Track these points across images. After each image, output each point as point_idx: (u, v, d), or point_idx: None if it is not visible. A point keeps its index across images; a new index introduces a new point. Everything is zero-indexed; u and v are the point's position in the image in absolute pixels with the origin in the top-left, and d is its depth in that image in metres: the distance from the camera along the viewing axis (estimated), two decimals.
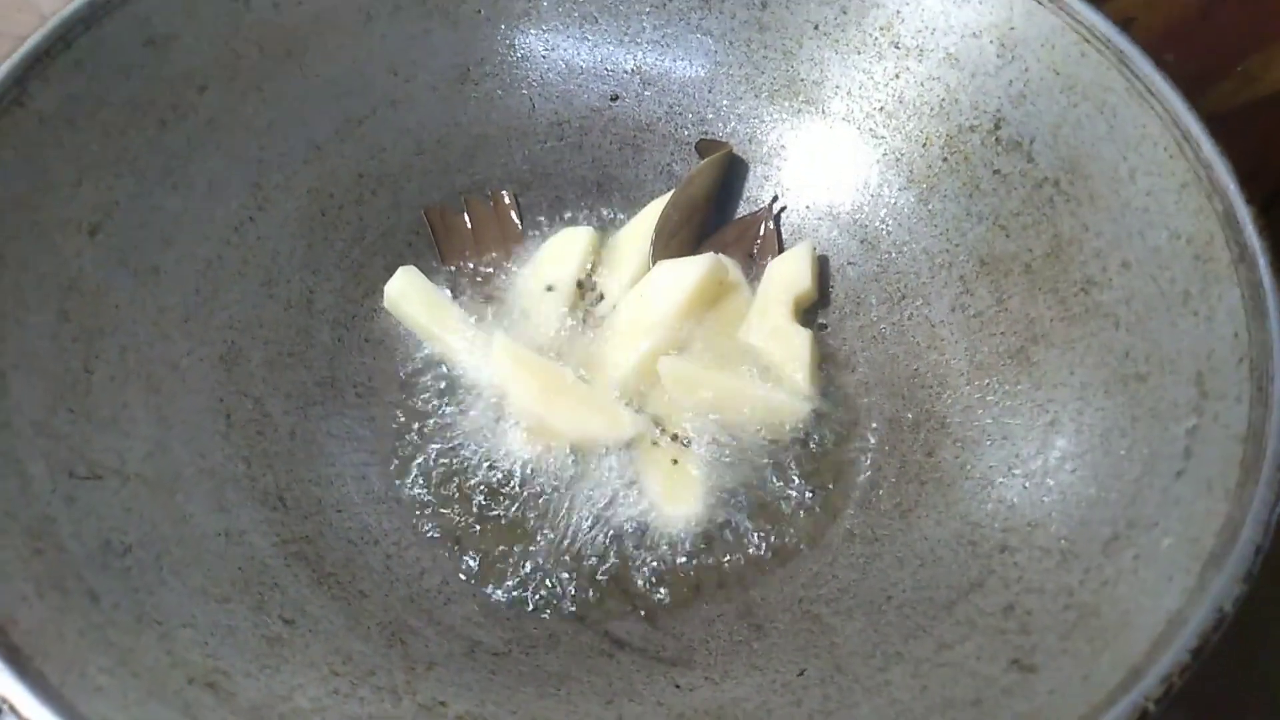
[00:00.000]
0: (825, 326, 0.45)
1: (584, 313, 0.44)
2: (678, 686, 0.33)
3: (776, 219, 0.47)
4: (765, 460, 0.40)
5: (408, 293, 0.42)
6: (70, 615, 0.27)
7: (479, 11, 0.47)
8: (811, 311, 0.45)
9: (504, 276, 0.45)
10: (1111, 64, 0.38)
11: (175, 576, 0.31)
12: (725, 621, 0.36)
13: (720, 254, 0.44)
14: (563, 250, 0.45)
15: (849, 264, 0.45)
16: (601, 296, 0.44)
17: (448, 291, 0.44)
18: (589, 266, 0.45)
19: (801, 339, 0.43)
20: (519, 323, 0.44)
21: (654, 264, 0.44)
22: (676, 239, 0.45)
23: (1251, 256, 0.32)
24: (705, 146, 0.48)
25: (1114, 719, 0.24)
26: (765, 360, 0.43)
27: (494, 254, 0.46)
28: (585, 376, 0.42)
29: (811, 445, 0.41)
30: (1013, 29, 0.41)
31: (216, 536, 0.34)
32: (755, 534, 0.39)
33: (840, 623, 0.34)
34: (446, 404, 0.41)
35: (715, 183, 0.47)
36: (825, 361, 0.43)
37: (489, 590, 0.37)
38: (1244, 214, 0.33)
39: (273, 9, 0.42)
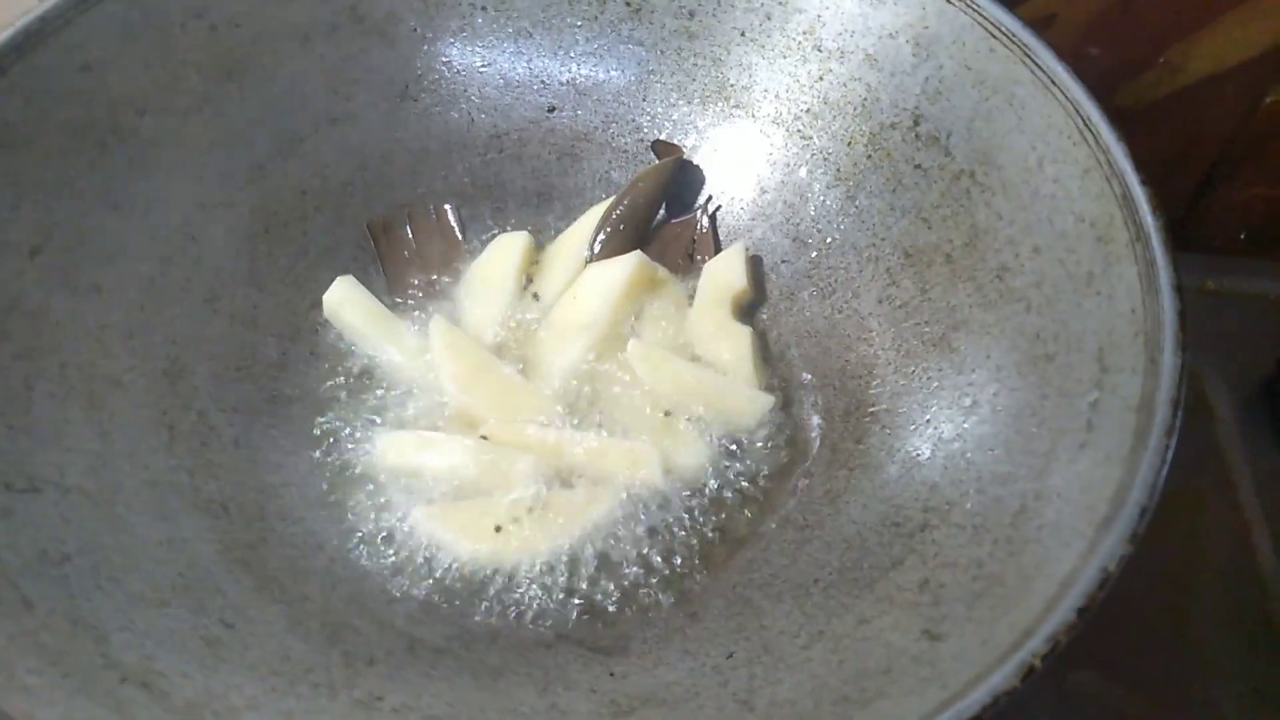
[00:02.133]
0: (765, 322, 0.46)
1: (520, 316, 0.45)
2: (612, 674, 0.34)
3: (713, 218, 0.48)
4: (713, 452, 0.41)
5: (346, 301, 0.43)
6: (1, 622, 0.28)
7: (415, 30, 0.48)
8: (750, 310, 0.46)
9: (444, 285, 0.46)
10: (1018, 58, 0.39)
11: (113, 583, 0.32)
12: (662, 610, 0.37)
13: (651, 253, 0.46)
14: (500, 256, 0.46)
15: (782, 262, 0.47)
16: (536, 297, 0.45)
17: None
18: (526, 271, 0.46)
19: (743, 336, 0.44)
20: (463, 325, 0.45)
21: (587, 265, 0.45)
22: (613, 242, 0.46)
23: (1146, 234, 0.33)
24: (661, 147, 0.49)
25: (1004, 676, 0.25)
26: (710, 359, 0.44)
27: (437, 267, 0.47)
28: (522, 371, 0.43)
29: (756, 438, 0.42)
30: (926, 28, 0.42)
31: (158, 544, 0.35)
32: (699, 525, 0.40)
33: (770, 605, 0.35)
34: (388, 411, 0.42)
35: (660, 187, 0.48)
36: (764, 358, 0.45)
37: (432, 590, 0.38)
38: (1140, 195, 0.34)
39: (209, 32, 0.43)
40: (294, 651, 0.33)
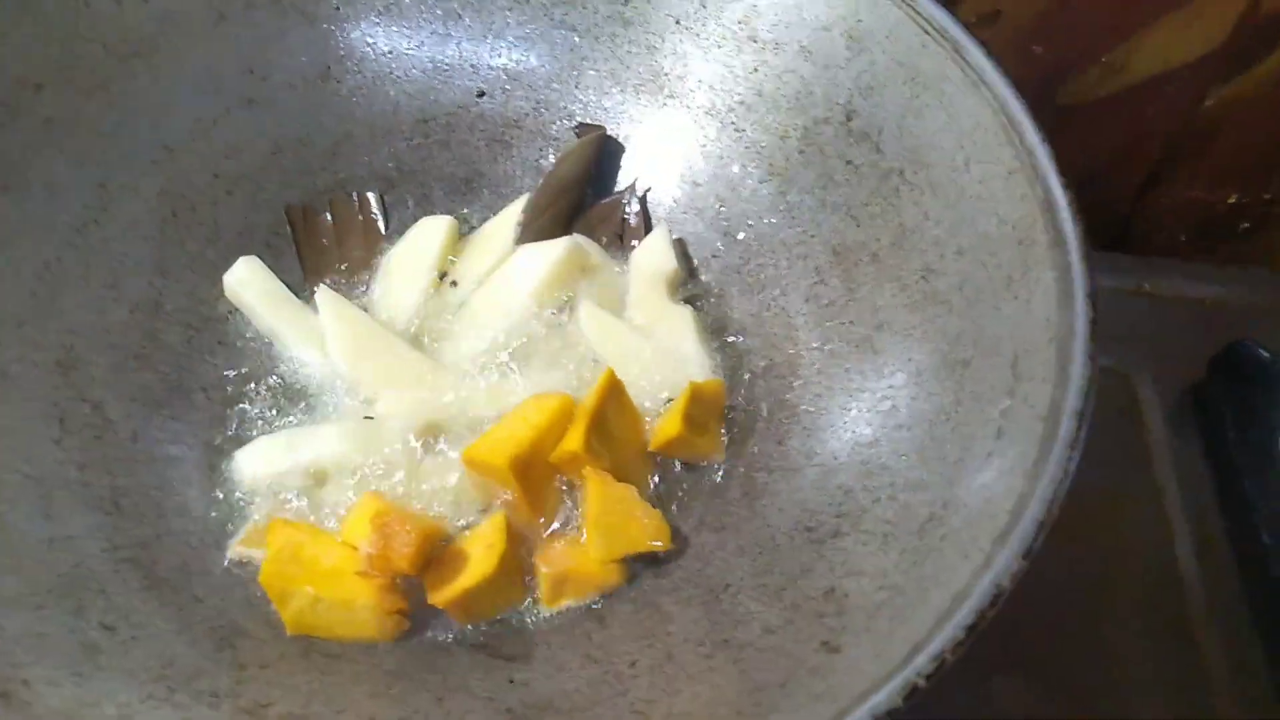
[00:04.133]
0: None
1: (439, 300, 0.44)
2: (512, 681, 0.33)
3: (643, 199, 0.47)
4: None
5: (248, 283, 0.42)
6: None
7: (337, 8, 0.46)
8: (682, 292, 0.45)
9: (363, 276, 0.45)
10: (948, 54, 0.39)
11: None
12: (568, 615, 0.36)
13: (583, 236, 0.44)
14: (420, 240, 0.45)
15: (713, 256, 0.46)
16: (454, 284, 0.44)
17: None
18: (447, 257, 0.45)
19: (683, 317, 0.43)
20: (376, 310, 0.43)
21: (516, 248, 0.44)
22: (541, 221, 0.45)
23: (1064, 240, 0.33)
24: (583, 130, 0.48)
25: (888, 694, 0.24)
26: (655, 339, 0.43)
27: (356, 258, 0.45)
28: (434, 353, 0.42)
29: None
30: (860, 21, 0.41)
31: (39, 543, 0.33)
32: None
33: (679, 611, 0.34)
34: (292, 402, 0.41)
35: (586, 165, 0.47)
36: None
37: None
38: (1060, 198, 0.34)
39: (115, 6, 0.42)
40: (180, 657, 0.32)
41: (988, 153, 0.37)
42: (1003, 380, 0.32)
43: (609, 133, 0.48)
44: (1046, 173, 0.35)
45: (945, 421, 0.34)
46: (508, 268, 0.44)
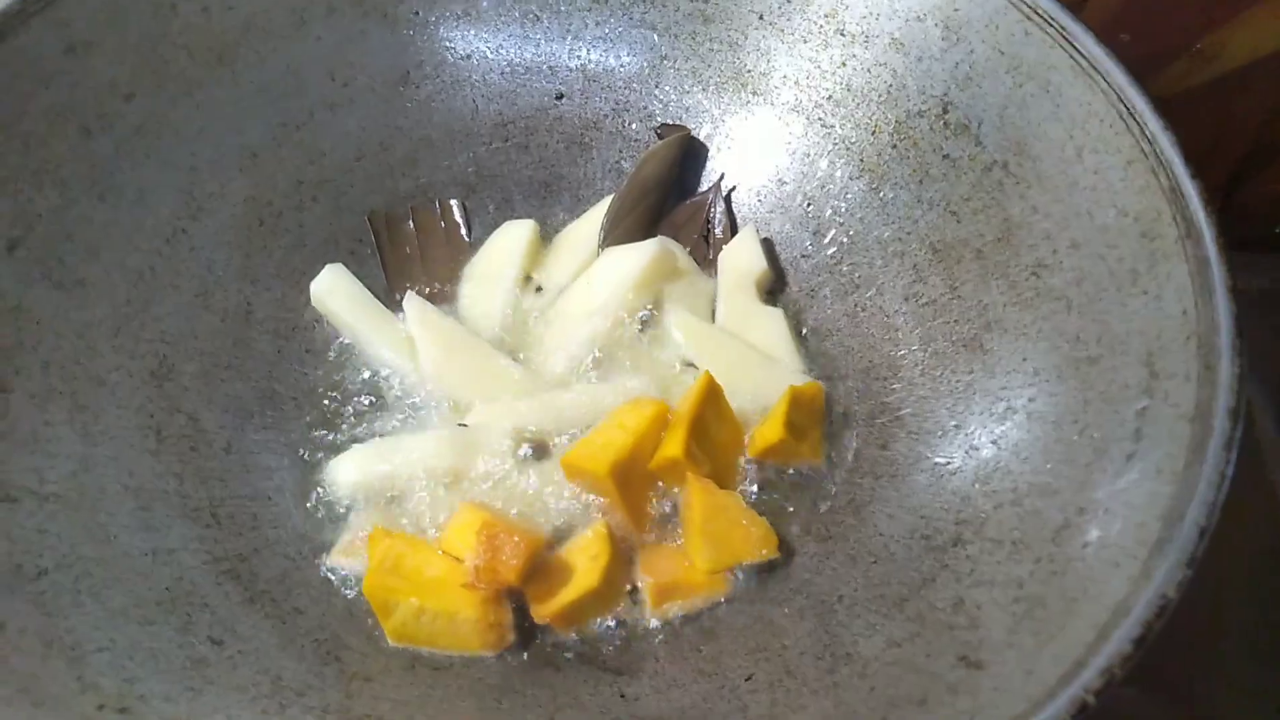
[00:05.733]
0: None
1: (523, 308, 0.43)
2: (623, 696, 0.32)
3: (727, 199, 0.46)
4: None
5: (335, 290, 0.41)
6: None
7: (417, 13, 0.46)
8: (773, 295, 0.44)
9: (450, 281, 0.44)
10: (1055, 42, 0.37)
11: (94, 599, 0.30)
12: (674, 627, 0.35)
13: (670, 238, 0.44)
14: (504, 245, 0.44)
15: (802, 257, 0.44)
16: (539, 290, 0.43)
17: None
18: (531, 261, 0.44)
19: (775, 319, 0.42)
20: (463, 317, 0.43)
21: (601, 250, 0.43)
22: (625, 224, 0.44)
23: (1198, 232, 0.31)
24: (666, 131, 0.47)
25: (1054, 712, 0.23)
26: (748, 343, 0.42)
27: (441, 263, 0.45)
28: (523, 360, 0.41)
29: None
30: (957, 10, 0.40)
31: (142, 556, 0.33)
32: None
33: (791, 624, 0.33)
34: (382, 410, 0.40)
35: (669, 166, 0.46)
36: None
37: None
38: (1190, 189, 0.32)
39: (201, 14, 0.41)
40: (286, 670, 0.31)
41: (1103, 142, 0.35)
42: (1137, 379, 0.31)
43: (691, 133, 0.47)
44: (1172, 161, 0.33)
45: (1073, 423, 0.32)
46: (593, 272, 0.43)
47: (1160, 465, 0.28)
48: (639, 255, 0.42)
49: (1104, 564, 0.27)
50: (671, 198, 0.46)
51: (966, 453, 0.35)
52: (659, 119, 0.47)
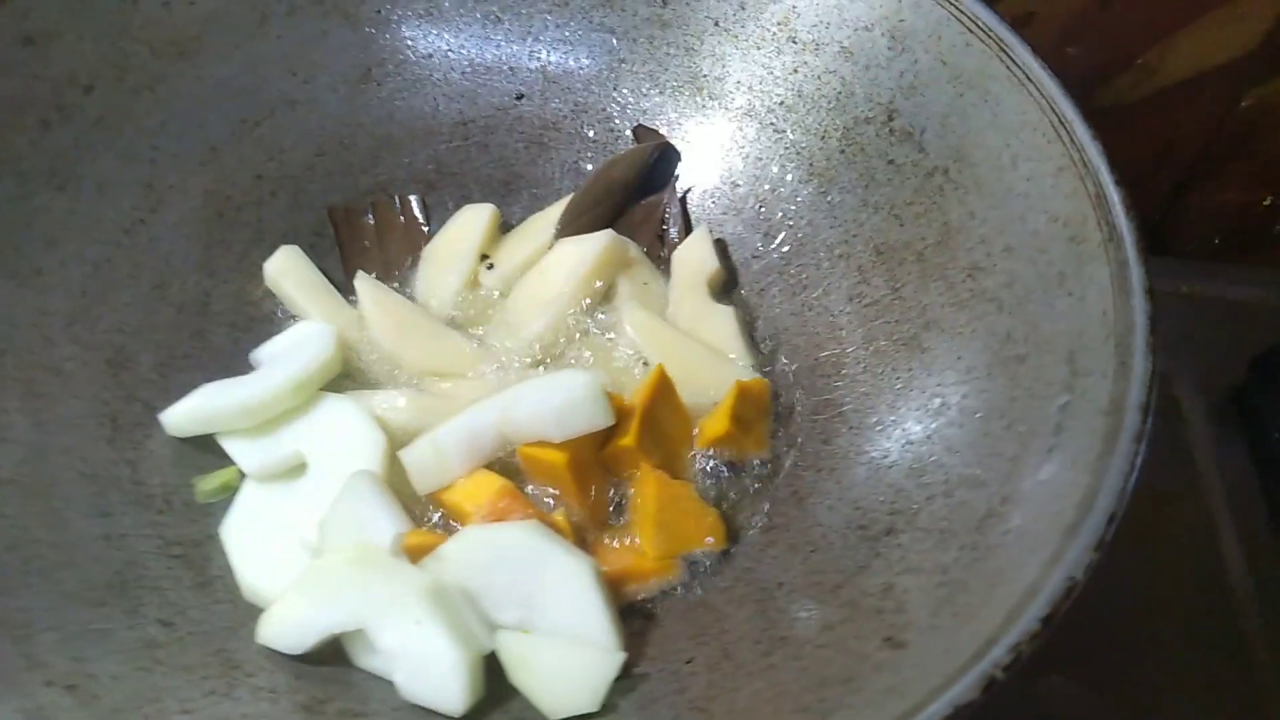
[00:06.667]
0: None
1: (478, 291, 0.44)
2: None
3: (683, 200, 0.47)
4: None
5: (288, 272, 0.42)
6: None
7: (379, 11, 0.47)
8: (724, 293, 0.45)
9: (406, 268, 0.45)
10: (993, 52, 0.39)
11: (44, 580, 0.31)
12: (620, 614, 0.36)
13: (619, 233, 0.45)
14: (463, 226, 0.45)
15: (753, 257, 0.46)
16: (491, 266, 0.44)
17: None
18: (488, 245, 0.45)
19: (726, 316, 0.43)
20: (417, 297, 0.44)
21: (555, 243, 0.44)
22: (582, 220, 0.45)
23: (1119, 235, 0.33)
24: (642, 133, 0.48)
25: (965, 687, 0.24)
26: (698, 339, 0.43)
27: (398, 255, 0.46)
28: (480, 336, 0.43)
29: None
30: (902, 21, 0.42)
31: (95, 540, 0.33)
32: None
33: (732, 610, 0.34)
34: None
35: (637, 171, 0.47)
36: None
37: None
38: (1113, 195, 0.34)
39: (162, 8, 0.42)
40: (236, 654, 0.32)
41: (1036, 150, 0.37)
42: (1059, 376, 0.32)
43: (669, 142, 0.47)
44: (1098, 169, 0.35)
45: (1000, 419, 0.34)
46: (546, 260, 0.44)
47: (1077, 457, 0.29)
48: (591, 246, 0.43)
49: (1022, 550, 0.28)
50: (632, 202, 0.47)
51: (903, 447, 0.37)
52: (617, 121, 0.48)
